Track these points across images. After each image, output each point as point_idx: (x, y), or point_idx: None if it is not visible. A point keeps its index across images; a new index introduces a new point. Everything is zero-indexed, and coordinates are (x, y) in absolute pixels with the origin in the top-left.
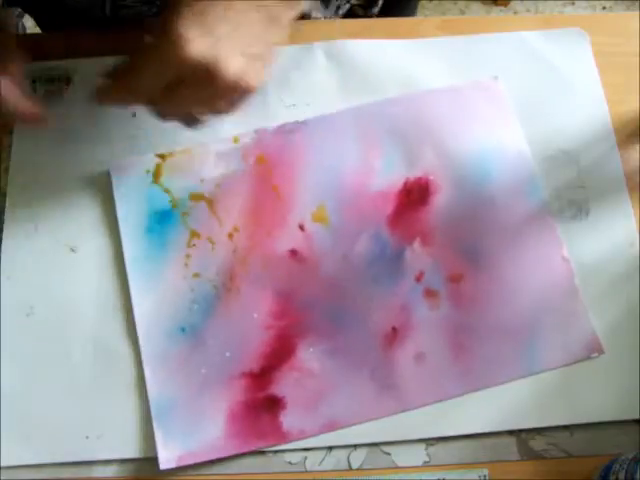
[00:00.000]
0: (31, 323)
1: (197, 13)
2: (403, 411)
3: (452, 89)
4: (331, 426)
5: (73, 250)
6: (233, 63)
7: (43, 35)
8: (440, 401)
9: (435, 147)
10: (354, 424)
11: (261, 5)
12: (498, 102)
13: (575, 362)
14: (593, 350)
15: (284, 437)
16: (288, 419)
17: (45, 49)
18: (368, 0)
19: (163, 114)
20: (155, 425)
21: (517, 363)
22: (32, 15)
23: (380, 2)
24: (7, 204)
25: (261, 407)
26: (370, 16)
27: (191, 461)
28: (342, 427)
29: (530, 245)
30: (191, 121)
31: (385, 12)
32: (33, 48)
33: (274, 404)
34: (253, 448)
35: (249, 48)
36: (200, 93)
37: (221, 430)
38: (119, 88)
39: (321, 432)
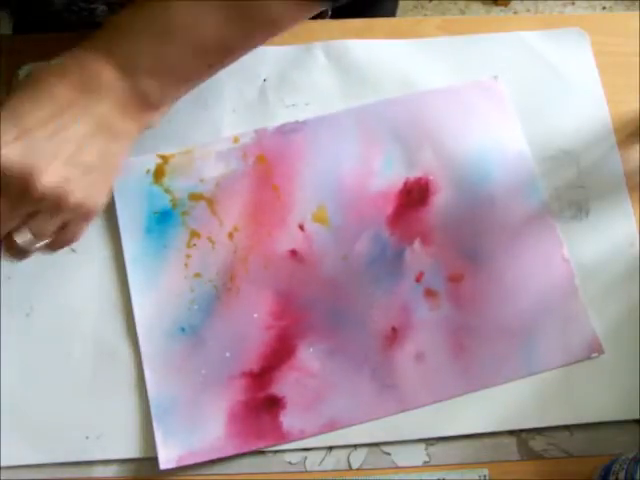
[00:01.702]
0: (31, 323)
1: (12, 111)
2: (403, 411)
3: (452, 89)
4: (331, 426)
5: (73, 250)
6: (51, 172)
7: (42, 36)
8: (440, 401)
9: (435, 147)
10: (354, 424)
11: (90, 113)
12: (498, 102)
13: (575, 362)
14: (593, 350)
15: (284, 437)
16: (288, 419)
17: (44, 49)
18: None
19: None
20: (155, 425)
21: (517, 363)
22: (14, 17)
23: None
24: None
25: (261, 407)
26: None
27: (191, 461)
28: (342, 427)
29: (530, 245)
30: (14, 250)
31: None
32: (32, 48)
33: (274, 404)
34: (253, 448)
35: (77, 156)
36: (16, 212)
37: (221, 430)
38: None
39: (321, 432)
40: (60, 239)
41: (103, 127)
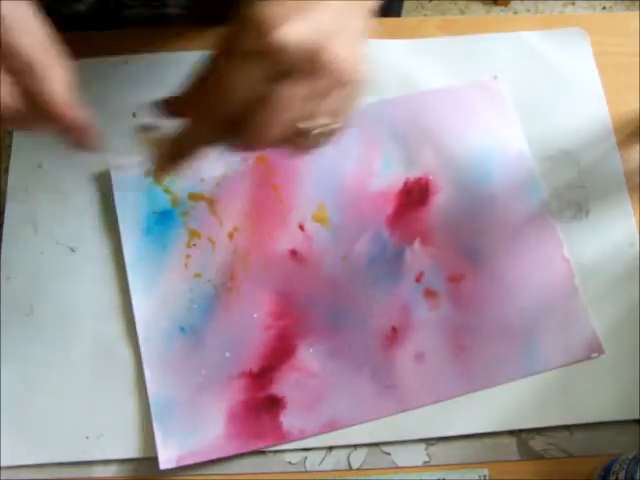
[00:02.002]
0: (31, 323)
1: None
2: (403, 411)
3: (452, 89)
4: (331, 426)
5: (73, 250)
6: (341, 51)
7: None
8: (440, 401)
9: (435, 147)
10: (354, 424)
11: None
12: (498, 102)
13: (575, 362)
14: (593, 350)
15: (284, 437)
16: (288, 419)
17: None
18: None
19: (265, 137)
20: (155, 425)
21: (517, 363)
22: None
23: None
24: (7, 204)
25: (261, 407)
26: None
27: (191, 461)
28: (342, 427)
29: (530, 245)
30: (306, 140)
31: None
32: None
33: (274, 404)
34: (253, 448)
35: (352, 37)
36: (305, 94)
37: (221, 430)
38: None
39: (321, 432)
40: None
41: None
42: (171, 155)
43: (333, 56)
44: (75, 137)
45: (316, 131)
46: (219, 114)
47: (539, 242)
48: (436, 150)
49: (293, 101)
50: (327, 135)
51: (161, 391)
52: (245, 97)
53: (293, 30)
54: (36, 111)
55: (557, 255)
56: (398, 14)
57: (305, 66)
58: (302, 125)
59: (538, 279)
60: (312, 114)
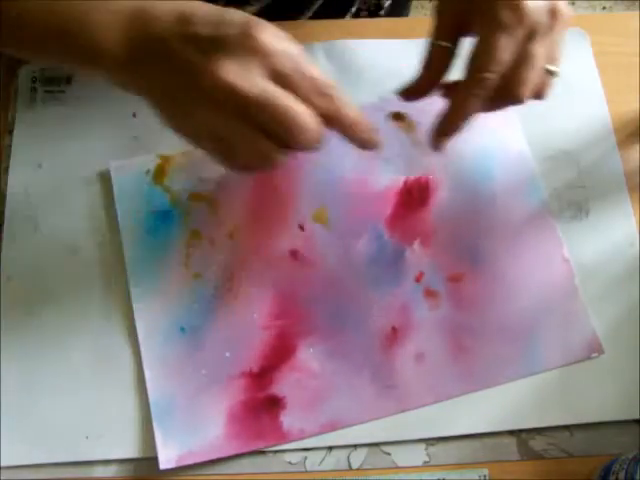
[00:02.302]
0: (31, 323)
1: None
2: (403, 411)
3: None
4: (331, 426)
5: (73, 250)
6: (562, 4)
7: None
8: (440, 401)
9: None
10: (354, 424)
11: None
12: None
13: (575, 362)
14: (593, 350)
15: (284, 437)
16: (288, 419)
17: None
18: (375, 5)
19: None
20: (155, 425)
21: (517, 363)
22: None
23: (386, 6)
24: (7, 204)
25: (261, 407)
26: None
27: (191, 461)
28: (342, 427)
29: (530, 245)
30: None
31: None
32: None
33: (274, 404)
34: (253, 448)
35: None
36: (548, 44)
37: (221, 430)
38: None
39: (321, 432)
40: None
41: None
42: (448, 126)
43: (560, 7)
44: (364, 138)
45: (552, 72)
46: (491, 80)
47: (539, 242)
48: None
49: (542, 53)
50: (555, 78)
51: (161, 391)
52: (510, 60)
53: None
54: (334, 125)
55: (557, 255)
56: (406, 14)
57: (545, 23)
58: (550, 67)
59: (538, 279)
60: (549, 59)
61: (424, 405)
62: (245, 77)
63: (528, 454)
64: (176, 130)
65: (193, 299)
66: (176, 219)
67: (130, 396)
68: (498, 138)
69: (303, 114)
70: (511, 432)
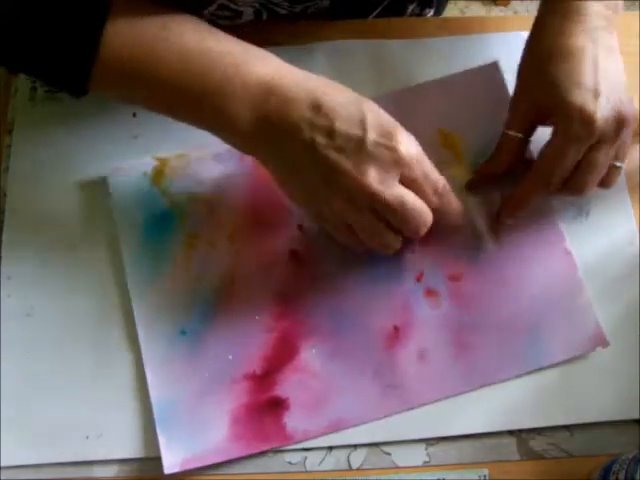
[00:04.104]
0: (31, 323)
1: None
2: (407, 410)
3: (452, 80)
4: (335, 426)
5: (73, 250)
6: (629, 108)
7: None
8: (444, 399)
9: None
10: (358, 424)
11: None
12: (498, 90)
13: (580, 355)
14: (598, 343)
15: (288, 438)
16: (292, 420)
17: None
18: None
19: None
20: (158, 429)
21: (522, 358)
22: None
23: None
24: (7, 204)
25: (264, 409)
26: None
27: (195, 465)
28: (346, 427)
29: (531, 239)
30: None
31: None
32: None
33: (278, 406)
34: (257, 450)
35: (622, 89)
36: (613, 149)
37: (225, 433)
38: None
39: (325, 433)
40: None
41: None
42: (514, 210)
43: (627, 114)
44: (454, 219)
45: (618, 167)
46: (556, 177)
47: (540, 236)
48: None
49: (605, 158)
50: (620, 171)
51: (164, 395)
52: (574, 164)
53: (602, 112)
54: (438, 214)
55: (559, 248)
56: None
57: (612, 131)
58: (615, 163)
59: (540, 273)
60: (616, 157)
61: (428, 403)
62: (386, 185)
63: (528, 454)
64: (301, 206)
65: (193, 302)
66: (174, 221)
67: (130, 396)
68: (498, 133)
69: (425, 212)
70: (511, 432)
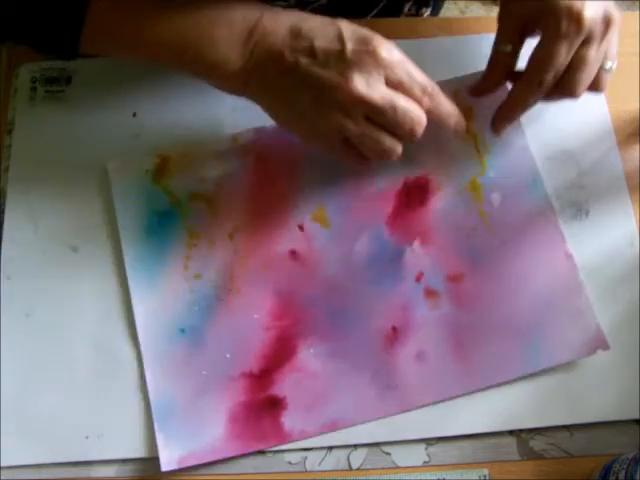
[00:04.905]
0: (31, 323)
1: None
2: (405, 411)
3: (452, 83)
4: (332, 427)
5: (73, 250)
6: (612, 9)
7: None
8: (442, 400)
9: (435, 146)
10: (356, 424)
11: None
12: (499, 94)
13: (580, 358)
14: (598, 346)
15: (285, 438)
16: (289, 420)
17: None
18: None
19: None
20: (156, 426)
21: (521, 361)
22: None
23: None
24: (7, 204)
25: (262, 408)
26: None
27: (192, 462)
28: (343, 427)
29: (532, 242)
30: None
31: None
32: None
33: (275, 405)
34: (254, 449)
35: None
36: (600, 48)
37: (222, 431)
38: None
39: (322, 433)
40: None
41: None
42: (508, 114)
43: (613, 13)
44: (454, 122)
45: (607, 69)
46: (548, 82)
47: (541, 239)
48: (436, 149)
49: (595, 56)
50: (610, 73)
51: (162, 393)
52: (565, 63)
53: (589, 10)
54: (434, 116)
55: (560, 251)
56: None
57: (600, 29)
58: (606, 66)
59: (541, 275)
60: (604, 58)
61: (426, 405)
62: (372, 87)
63: (528, 454)
64: (298, 134)
65: (193, 300)
66: (175, 219)
67: (130, 396)
68: (500, 136)
69: (418, 111)
70: (511, 432)
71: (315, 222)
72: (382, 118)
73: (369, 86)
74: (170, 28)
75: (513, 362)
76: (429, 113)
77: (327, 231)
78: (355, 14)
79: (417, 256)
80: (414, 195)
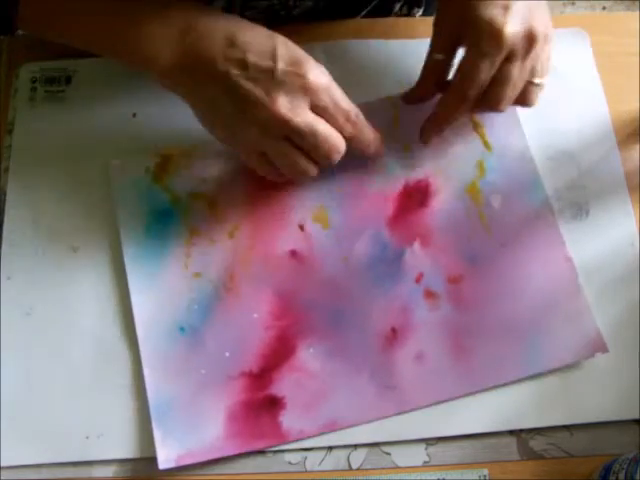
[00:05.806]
0: (31, 323)
1: None
2: (403, 412)
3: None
4: (331, 427)
5: (73, 250)
6: (539, 25)
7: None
8: (440, 402)
9: (435, 147)
10: (354, 425)
11: None
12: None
13: (579, 361)
14: (597, 349)
15: (283, 437)
16: (288, 419)
17: (45, 49)
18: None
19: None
20: (154, 425)
21: (519, 363)
22: None
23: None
24: (7, 204)
25: (261, 407)
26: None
27: (190, 461)
28: (342, 428)
29: (532, 245)
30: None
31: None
32: (32, 48)
33: (274, 404)
34: (253, 448)
35: (540, 11)
36: (525, 64)
37: (220, 430)
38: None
39: (321, 433)
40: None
41: None
42: (435, 126)
43: (536, 31)
44: (374, 149)
45: (536, 85)
46: (471, 97)
47: (541, 242)
48: (436, 151)
49: (519, 72)
50: (540, 89)
51: (160, 391)
52: (488, 80)
53: (510, 27)
54: (354, 143)
55: (559, 255)
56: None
57: (522, 46)
58: (533, 80)
59: (540, 279)
60: (532, 74)
61: (424, 406)
62: (296, 111)
63: (528, 454)
64: (220, 139)
65: (193, 299)
66: (176, 218)
67: (130, 396)
68: (499, 138)
69: (337, 139)
70: (511, 432)
71: (316, 222)
72: (301, 141)
73: (293, 109)
74: (105, 19)
75: (511, 364)
76: (350, 140)
77: (328, 232)
78: (345, 14)
79: (417, 257)
80: (415, 197)
